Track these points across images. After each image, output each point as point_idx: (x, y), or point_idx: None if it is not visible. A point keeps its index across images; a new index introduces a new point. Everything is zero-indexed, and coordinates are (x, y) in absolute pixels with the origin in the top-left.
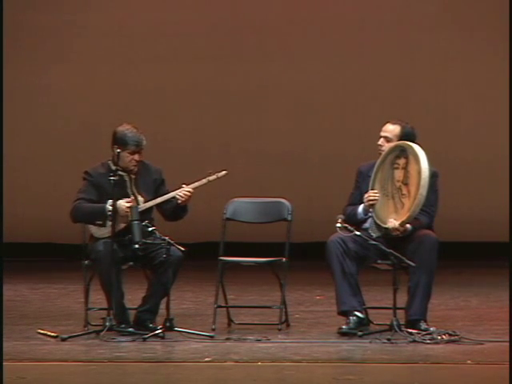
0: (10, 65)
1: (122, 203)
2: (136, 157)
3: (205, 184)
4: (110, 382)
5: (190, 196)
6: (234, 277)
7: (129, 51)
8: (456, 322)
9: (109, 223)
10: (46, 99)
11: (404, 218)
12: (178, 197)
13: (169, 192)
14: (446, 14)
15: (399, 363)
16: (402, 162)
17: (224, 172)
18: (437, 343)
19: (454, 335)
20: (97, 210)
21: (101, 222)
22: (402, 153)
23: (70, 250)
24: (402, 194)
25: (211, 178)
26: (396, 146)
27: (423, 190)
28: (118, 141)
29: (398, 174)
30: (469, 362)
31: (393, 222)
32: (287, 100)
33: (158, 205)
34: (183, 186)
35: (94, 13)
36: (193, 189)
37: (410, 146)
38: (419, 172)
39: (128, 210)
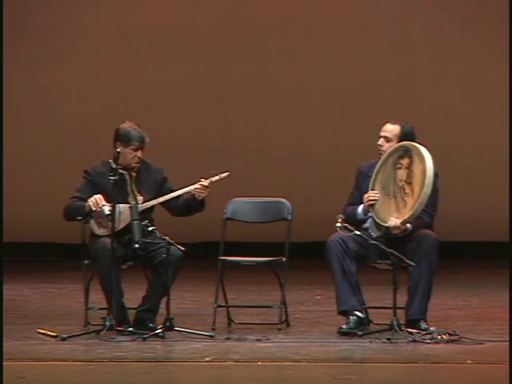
0: (10, 64)
1: (95, 196)
2: (139, 153)
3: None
4: (110, 382)
5: (204, 189)
6: (234, 277)
7: (129, 51)
8: (456, 321)
9: (92, 221)
10: (46, 99)
11: (406, 217)
12: (196, 192)
13: (173, 190)
14: (446, 14)
15: (399, 363)
16: (405, 161)
17: (226, 173)
18: (437, 343)
19: (453, 335)
20: (78, 207)
21: (80, 218)
22: (405, 153)
23: (69, 249)
24: (405, 193)
25: (214, 178)
26: (399, 147)
27: (428, 189)
28: (122, 137)
29: (401, 174)
30: (469, 361)
31: (394, 221)
32: (287, 100)
33: (164, 202)
34: (202, 180)
35: (95, 12)
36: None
37: (415, 146)
38: (424, 171)
39: (94, 204)
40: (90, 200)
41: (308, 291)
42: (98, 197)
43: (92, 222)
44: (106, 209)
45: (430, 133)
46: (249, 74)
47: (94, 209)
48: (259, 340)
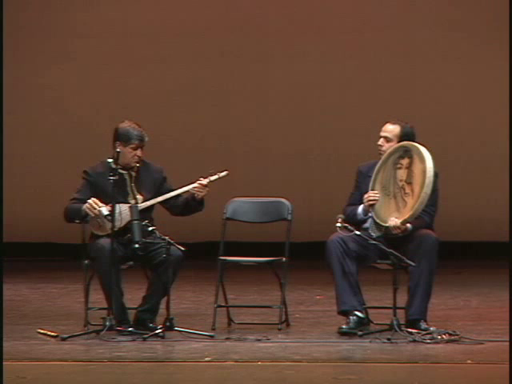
0: (9, 64)
1: (89, 201)
2: (138, 152)
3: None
4: (110, 382)
5: (203, 188)
6: (234, 277)
7: (129, 51)
8: (456, 321)
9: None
10: (46, 99)
11: (406, 217)
12: (195, 191)
13: (173, 190)
14: (447, 15)
15: (399, 363)
16: (405, 161)
17: (225, 172)
18: (437, 343)
19: (454, 335)
20: (75, 210)
21: (78, 221)
22: (405, 153)
23: (69, 249)
24: (405, 193)
25: (213, 178)
26: (399, 147)
27: (428, 189)
28: (121, 137)
29: (401, 174)
30: (469, 361)
31: (394, 221)
32: (287, 100)
33: (164, 201)
34: (201, 179)
35: (95, 13)
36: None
37: (415, 146)
38: (424, 171)
39: (89, 210)
40: (85, 205)
41: (308, 291)
42: (93, 200)
43: (90, 225)
44: (104, 210)
45: (430, 133)
46: (249, 74)
47: (91, 214)
48: (259, 340)
